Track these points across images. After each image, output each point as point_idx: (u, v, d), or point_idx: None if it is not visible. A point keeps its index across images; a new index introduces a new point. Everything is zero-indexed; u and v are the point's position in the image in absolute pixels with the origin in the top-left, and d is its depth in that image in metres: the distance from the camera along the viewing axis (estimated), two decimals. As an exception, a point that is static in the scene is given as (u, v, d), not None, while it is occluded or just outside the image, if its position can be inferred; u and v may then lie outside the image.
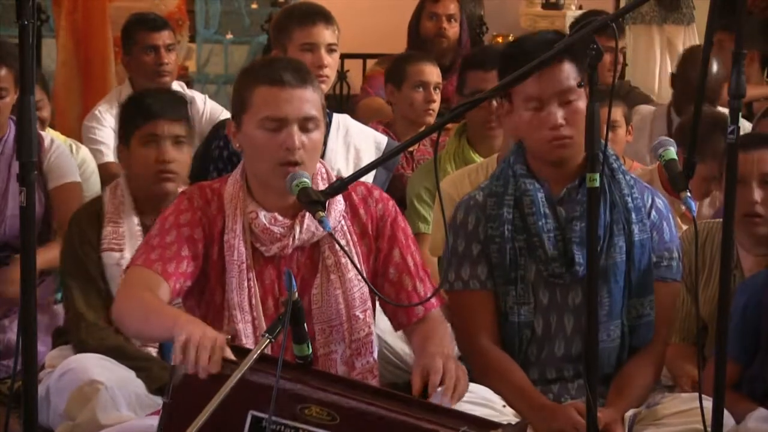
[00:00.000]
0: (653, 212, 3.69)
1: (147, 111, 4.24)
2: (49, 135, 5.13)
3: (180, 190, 4.24)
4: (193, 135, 4.34)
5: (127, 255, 4.11)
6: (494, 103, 4.65)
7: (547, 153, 3.61)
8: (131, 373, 3.96)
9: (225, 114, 5.91)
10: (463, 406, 3.22)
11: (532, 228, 3.59)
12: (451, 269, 3.65)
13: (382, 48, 7.29)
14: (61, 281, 4.21)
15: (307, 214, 3.36)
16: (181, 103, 4.33)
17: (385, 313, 3.55)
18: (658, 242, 3.68)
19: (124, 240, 4.16)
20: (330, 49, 4.64)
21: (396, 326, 3.55)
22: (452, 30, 6.94)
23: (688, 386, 3.90)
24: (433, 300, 3.49)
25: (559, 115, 3.55)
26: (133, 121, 4.25)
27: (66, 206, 4.77)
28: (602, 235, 3.57)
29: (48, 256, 4.65)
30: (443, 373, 3.18)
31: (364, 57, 7.97)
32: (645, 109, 6.60)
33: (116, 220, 4.18)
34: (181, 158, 4.22)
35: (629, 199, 3.63)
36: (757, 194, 4.03)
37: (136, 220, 4.20)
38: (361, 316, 3.44)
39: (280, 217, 3.40)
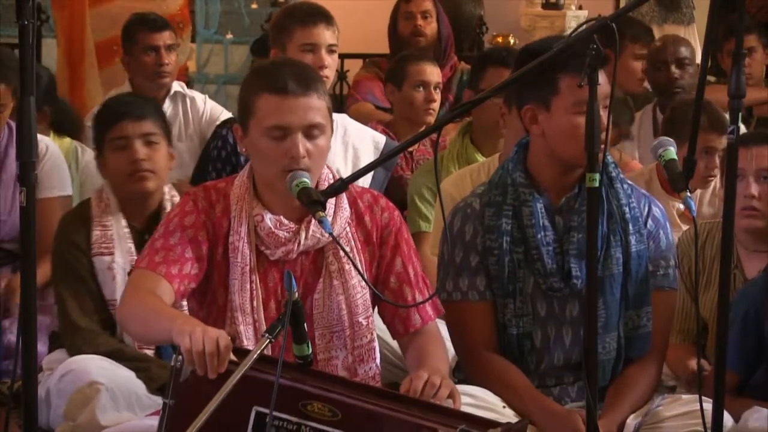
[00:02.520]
0: (650, 221, 3.65)
1: (112, 115, 4.25)
2: (44, 140, 5.04)
3: (167, 187, 4.26)
4: (169, 132, 4.33)
5: (118, 258, 4.12)
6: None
7: (581, 159, 3.37)
8: (131, 374, 3.96)
9: (225, 114, 5.91)
10: (462, 409, 3.22)
11: (531, 240, 3.56)
12: (448, 279, 3.62)
13: (382, 48, 7.27)
14: (53, 290, 4.17)
15: (313, 220, 3.35)
16: (147, 103, 4.33)
17: (384, 320, 3.54)
18: (654, 251, 3.64)
19: (114, 243, 4.15)
20: (330, 50, 4.64)
21: (393, 334, 3.55)
22: (429, 27, 6.92)
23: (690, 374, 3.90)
24: (431, 312, 3.50)
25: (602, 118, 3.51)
26: (102, 129, 4.26)
27: (48, 222, 4.59)
28: (600, 246, 3.54)
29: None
30: (438, 387, 3.18)
31: (364, 57, 7.96)
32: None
33: (104, 224, 4.17)
34: (155, 156, 4.20)
35: (626, 209, 3.59)
36: (754, 189, 4.07)
37: (123, 222, 4.19)
38: (364, 323, 3.43)
39: (285, 221, 3.39)
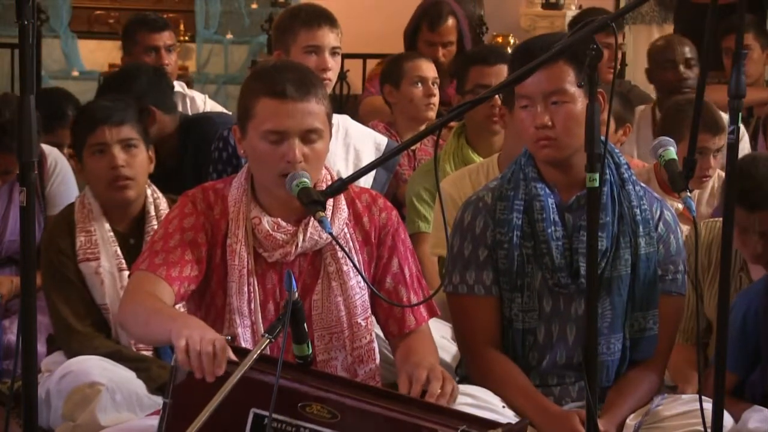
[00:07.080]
0: (661, 225, 3.65)
1: (90, 121, 4.24)
2: (53, 154, 5.05)
3: (149, 190, 4.25)
4: (148, 136, 4.31)
5: (104, 263, 4.12)
6: (498, 100, 4.65)
7: (533, 152, 3.61)
8: (131, 374, 3.97)
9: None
10: (462, 409, 3.22)
11: (540, 235, 3.56)
12: (455, 272, 3.62)
13: (382, 48, 7.29)
14: (45, 296, 4.15)
15: (311, 222, 3.35)
16: (126, 107, 4.29)
17: (378, 321, 3.54)
18: (664, 255, 3.64)
19: (99, 248, 4.14)
20: (333, 53, 4.64)
21: (386, 335, 3.55)
22: (449, 53, 6.81)
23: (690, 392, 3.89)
24: (425, 313, 3.51)
25: (545, 115, 3.54)
26: (80, 134, 4.25)
27: None
28: (609, 246, 3.55)
29: None
30: (432, 381, 3.19)
31: (364, 57, 7.97)
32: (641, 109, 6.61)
33: (88, 229, 4.16)
34: (134, 162, 4.20)
35: (637, 211, 3.60)
36: (759, 246, 4.01)
37: (107, 226, 4.18)
38: (363, 324, 3.43)
39: (283, 223, 3.39)
